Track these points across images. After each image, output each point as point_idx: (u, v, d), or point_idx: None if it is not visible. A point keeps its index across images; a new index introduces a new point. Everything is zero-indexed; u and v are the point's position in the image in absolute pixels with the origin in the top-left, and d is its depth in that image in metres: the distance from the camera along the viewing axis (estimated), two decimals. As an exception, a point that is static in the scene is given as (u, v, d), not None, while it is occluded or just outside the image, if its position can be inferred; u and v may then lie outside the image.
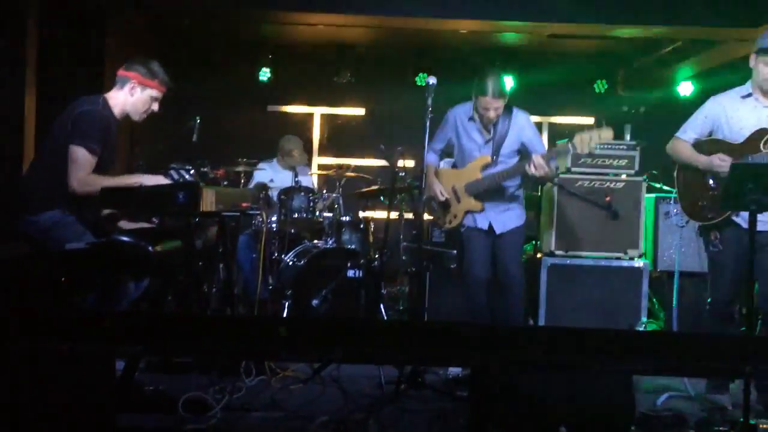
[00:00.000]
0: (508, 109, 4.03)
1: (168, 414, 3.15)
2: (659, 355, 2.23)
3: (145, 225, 3.55)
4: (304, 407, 3.34)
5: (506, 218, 4.07)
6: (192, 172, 4.36)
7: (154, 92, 3.39)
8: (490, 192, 4.03)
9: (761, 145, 3.37)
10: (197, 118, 4.95)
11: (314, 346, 2.37)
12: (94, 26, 5.89)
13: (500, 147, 4.04)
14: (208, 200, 2.91)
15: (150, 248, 2.88)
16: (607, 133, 3.76)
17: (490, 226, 4.03)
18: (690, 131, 3.65)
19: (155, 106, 3.41)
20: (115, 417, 2.74)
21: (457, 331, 2.41)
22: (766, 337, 3.14)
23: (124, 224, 3.48)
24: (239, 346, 2.53)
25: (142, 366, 3.76)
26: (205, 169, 4.77)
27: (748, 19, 5.44)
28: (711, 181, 3.51)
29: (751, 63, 3.47)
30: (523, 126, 4.07)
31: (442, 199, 4.06)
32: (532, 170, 3.80)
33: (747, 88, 3.53)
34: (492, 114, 3.94)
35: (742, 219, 3.42)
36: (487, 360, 2.32)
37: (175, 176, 4.40)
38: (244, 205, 3.68)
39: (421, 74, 7.17)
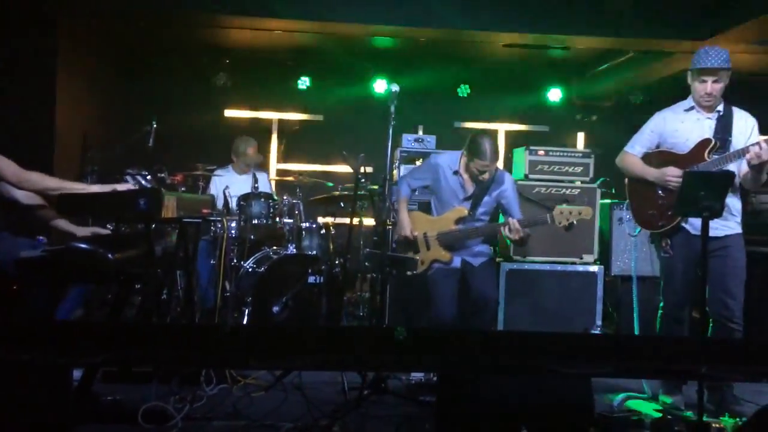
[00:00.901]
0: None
1: (127, 425, 3.09)
2: (618, 357, 2.29)
3: (99, 230, 3.47)
4: (267, 415, 3.31)
5: (478, 255, 4.18)
6: (149, 177, 4.30)
7: None
8: (461, 242, 4.13)
9: (706, 154, 3.51)
10: (153, 122, 4.89)
11: (278, 353, 2.35)
12: (46, 28, 5.74)
13: (479, 203, 4.14)
14: (170, 206, 2.86)
15: (110, 255, 2.82)
16: (587, 212, 3.93)
17: (464, 262, 4.13)
18: (638, 146, 3.79)
19: None
20: (73, 429, 2.67)
21: (422, 336, 2.42)
22: (718, 339, 3.26)
23: (77, 230, 3.40)
24: (200, 354, 2.49)
25: (99, 376, 3.68)
26: (163, 175, 4.71)
27: (694, 33, 5.66)
28: (660, 192, 3.64)
29: (689, 80, 3.65)
30: (506, 188, 4.19)
31: (411, 238, 4.11)
32: (506, 232, 3.94)
33: (689, 101, 3.70)
34: (487, 176, 4.05)
35: (690, 226, 3.56)
36: (453, 365, 2.34)
37: (131, 182, 4.33)
38: (205, 211, 3.63)
39: (379, 81, 7.21)
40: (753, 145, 3.37)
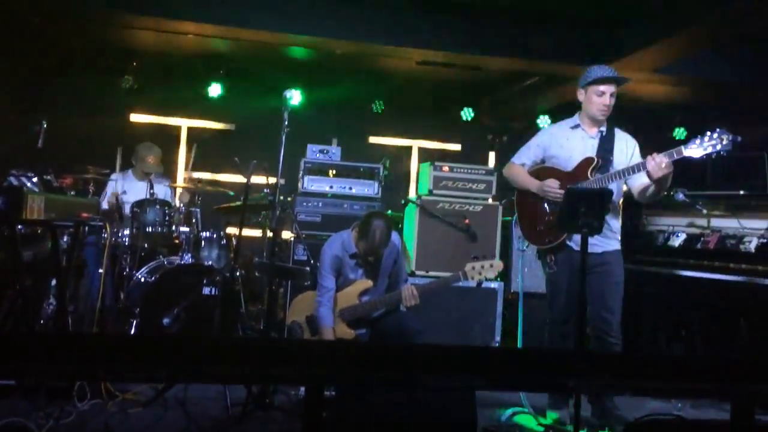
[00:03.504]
0: None
1: (-20, 442, 2.85)
2: (489, 370, 2.26)
3: None
4: (140, 432, 3.14)
5: (380, 323, 4.08)
6: (35, 179, 4.04)
7: None
8: (363, 318, 4.01)
9: (589, 172, 3.59)
10: (44, 121, 4.62)
11: (140, 364, 2.19)
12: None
13: (378, 272, 4.08)
14: (36, 207, 2.67)
15: (-39, 258, 2.59)
16: (498, 265, 3.91)
17: (367, 334, 4.06)
18: (524, 157, 3.87)
19: None
20: None
21: (296, 348, 2.33)
22: (592, 352, 3.33)
23: None
24: (57, 365, 2.31)
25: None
26: (49, 177, 4.44)
27: (596, 59, 5.85)
28: (546, 208, 3.70)
29: (581, 97, 3.72)
30: (397, 250, 4.15)
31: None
32: (403, 300, 3.90)
33: (575, 120, 3.79)
34: (372, 259, 3.98)
35: (574, 242, 3.62)
36: (325, 378, 2.25)
37: (15, 183, 4.06)
38: (85, 215, 3.44)
39: (293, 92, 7.09)
40: (647, 161, 3.35)
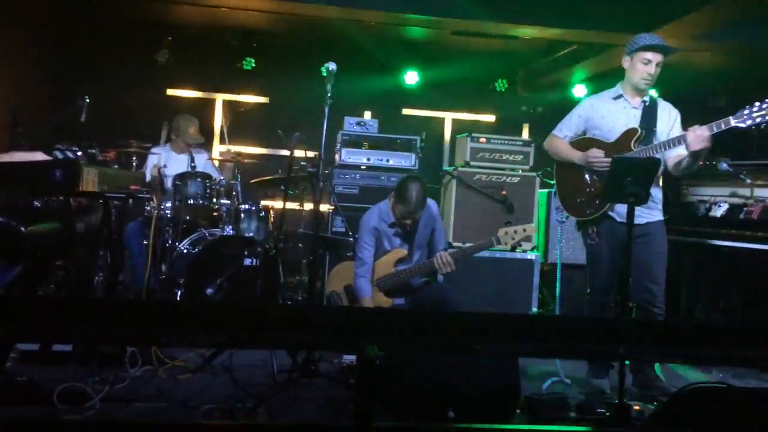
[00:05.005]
0: None
1: (41, 405, 2.97)
2: (537, 338, 2.29)
3: None
4: (191, 397, 3.24)
5: (421, 292, 4.08)
6: (79, 153, 4.13)
7: None
8: (400, 287, 4.01)
9: (632, 144, 3.54)
10: (86, 97, 4.71)
11: (191, 331, 2.26)
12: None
13: (414, 239, 4.06)
14: (90, 180, 2.74)
15: (22, 228, 2.68)
16: (531, 229, 3.86)
17: (408, 302, 4.07)
18: (565, 129, 3.81)
19: None
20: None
21: (344, 316, 2.38)
22: (637, 320, 3.33)
23: None
24: (115, 331, 2.39)
25: (16, 357, 3.53)
26: (93, 151, 4.53)
27: (639, 25, 5.73)
28: (588, 179, 3.65)
29: (626, 65, 3.64)
30: (435, 218, 4.14)
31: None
32: (437, 267, 3.85)
33: (618, 90, 3.71)
34: (410, 222, 3.96)
35: (616, 213, 3.59)
36: (374, 345, 2.29)
37: (60, 158, 4.16)
38: (133, 187, 3.51)
39: (326, 64, 7.08)
40: (688, 132, 3.31)
